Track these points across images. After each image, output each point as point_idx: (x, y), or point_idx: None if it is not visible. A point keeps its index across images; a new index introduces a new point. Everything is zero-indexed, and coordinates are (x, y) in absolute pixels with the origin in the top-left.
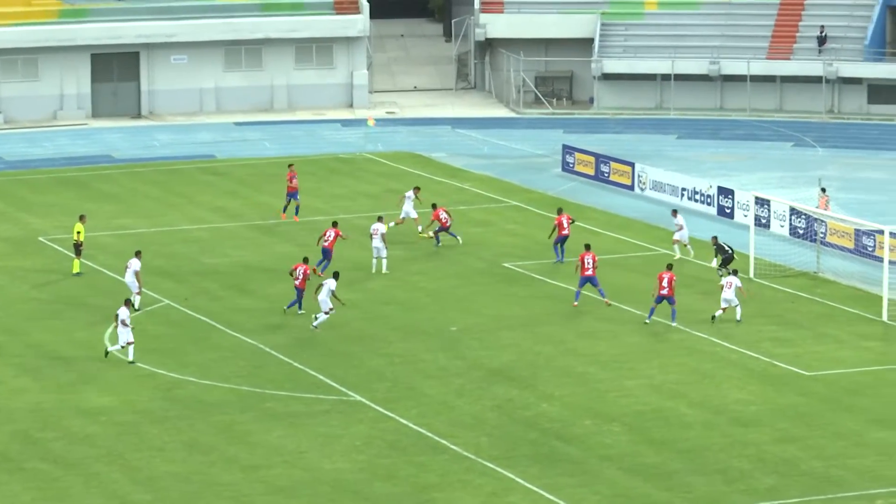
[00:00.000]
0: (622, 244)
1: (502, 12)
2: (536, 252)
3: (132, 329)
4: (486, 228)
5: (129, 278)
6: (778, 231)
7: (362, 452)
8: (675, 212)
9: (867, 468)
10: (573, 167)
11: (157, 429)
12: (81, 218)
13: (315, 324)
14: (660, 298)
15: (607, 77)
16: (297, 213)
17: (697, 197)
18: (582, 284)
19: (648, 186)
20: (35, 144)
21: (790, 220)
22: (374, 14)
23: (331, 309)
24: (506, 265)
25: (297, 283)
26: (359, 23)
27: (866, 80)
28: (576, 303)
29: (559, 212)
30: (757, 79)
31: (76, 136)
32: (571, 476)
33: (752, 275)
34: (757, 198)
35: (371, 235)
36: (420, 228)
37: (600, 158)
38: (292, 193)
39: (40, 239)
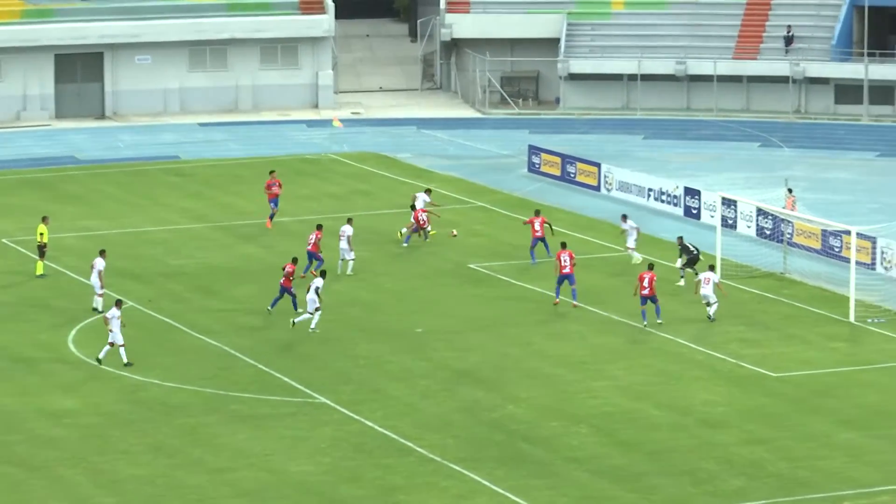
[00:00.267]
0: (588, 245)
1: (468, 12)
2: (503, 253)
3: (113, 332)
4: (452, 229)
5: (94, 279)
6: (745, 232)
7: (328, 455)
8: (624, 216)
9: (835, 470)
10: (539, 168)
11: (122, 431)
12: (45, 219)
13: (295, 319)
14: (644, 300)
15: (573, 77)
16: (271, 218)
17: (664, 198)
18: (560, 282)
19: (615, 187)
20: None
21: (757, 220)
22: (340, 14)
23: (317, 309)
24: (472, 266)
25: (281, 281)
26: (324, 23)
27: (833, 80)
28: (557, 300)
29: (536, 213)
30: (724, 79)
31: (40, 137)
32: (538, 478)
33: (718, 275)
34: (724, 198)
35: (339, 237)
36: (429, 228)
37: (566, 159)
38: (273, 200)
39: (3, 241)
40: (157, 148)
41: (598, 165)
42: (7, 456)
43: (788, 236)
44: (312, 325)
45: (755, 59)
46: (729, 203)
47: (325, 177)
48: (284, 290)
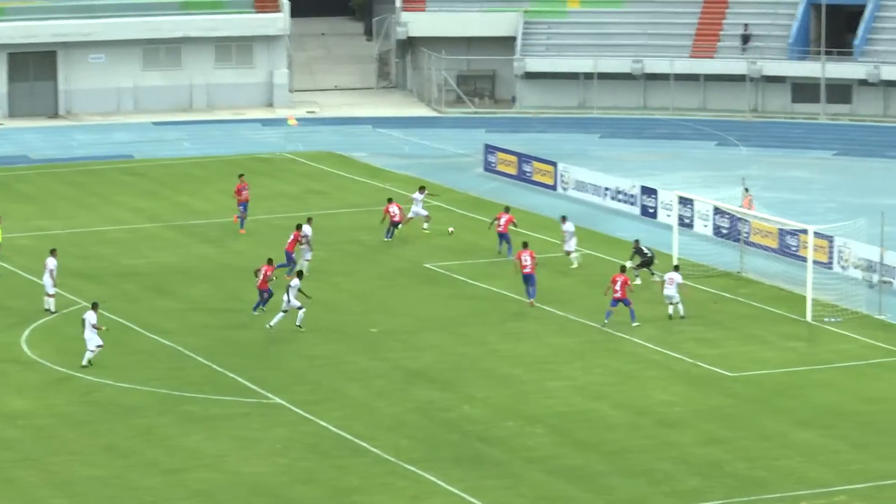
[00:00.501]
0: (545, 244)
1: (424, 10)
2: (459, 252)
3: (88, 334)
4: (408, 229)
5: (46, 279)
6: (701, 231)
7: (282, 456)
8: (564, 218)
9: (791, 469)
10: (495, 167)
11: (75, 433)
12: None
13: (271, 323)
14: (615, 301)
15: (530, 76)
16: (241, 224)
17: (620, 197)
18: (526, 282)
19: (571, 186)
20: None
21: (714, 219)
22: (295, 12)
23: (299, 307)
24: (427, 266)
25: (258, 283)
26: (279, 21)
27: (790, 79)
28: (531, 301)
29: (506, 210)
30: (680, 77)
31: None
32: (494, 478)
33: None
34: (680, 197)
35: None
36: (426, 226)
37: (523, 158)
38: (243, 205)
39: None
40: (110, 147)
41: (555, 164)
42: None
43: (745, 235)
44: (270, 324)
45: (712, 57)
46: (686, 202)
47: (279, 176)
48: (262, 292)
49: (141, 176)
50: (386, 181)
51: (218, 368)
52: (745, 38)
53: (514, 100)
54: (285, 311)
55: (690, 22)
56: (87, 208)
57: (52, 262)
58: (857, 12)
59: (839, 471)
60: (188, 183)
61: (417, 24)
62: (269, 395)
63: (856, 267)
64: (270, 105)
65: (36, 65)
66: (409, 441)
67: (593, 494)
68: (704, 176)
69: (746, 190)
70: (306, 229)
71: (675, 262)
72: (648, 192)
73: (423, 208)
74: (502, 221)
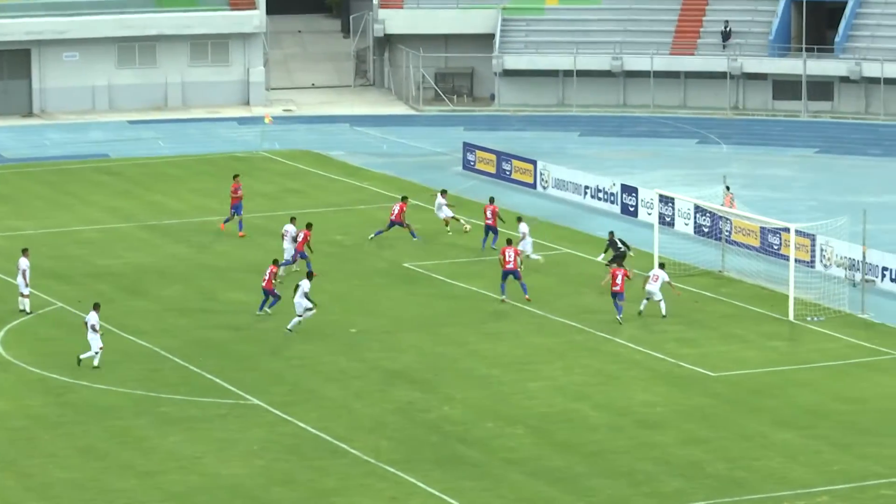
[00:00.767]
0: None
1: (401, 7)
2: (437, 252)
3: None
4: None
5: (19, 279)
6: (682, 229)
7: (260, 457)
8: (519, 219)
9: (773, 470)
10: (474, 165)
11: (51, 434)
12: None
13: (289, 326)
14: (615, 295)
15: (508, 73)
16: (240, 227)
17: (601, 195)
18: (504, 278)
19: (551, 185)
20: None
21: (695, 218)
22: (271, 10)
23: (308, 309)
24: (406, 265)
25: (263, 283)
26: (255, 19)
27: (771, 76)
28: (503, 298)
29: (491, 200)
30: (660, 75)
31: None
32: (474, 480)
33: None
34: (661, 195)
35: (282, 236)
36: (463, 223)
37: (502, 156)
38: (236, 206)
39: None
40: (85, 146)
41: (534, 163)
42: None
43: (727, 234)
44: (288, 327)
45: (692, 54)
46: (666, 200)
47: (256, 175)
48: (267, 292)
49: (115, 175)
50: (364, 180)
51: (194, 369)
52: (726, 35)
53: (492, 97)
54: (301, 315)
55: (670, 19)
56: (61, 208)
57: (24, 263)
58: (838, 9)
59: (820, 471)
60: (163, 182)
61: (395, 21)
62: (247, 395)
63: (838, 265)
64: (247, 103)
65: (9, 63)
66: (388, 442)
67: (574, 496)
68: (685, 174)
69: (728, 188)
70: (290, 228)
71: (658, 261)
72: (629, 190)
73: (448, 210)
74: (489, 213)
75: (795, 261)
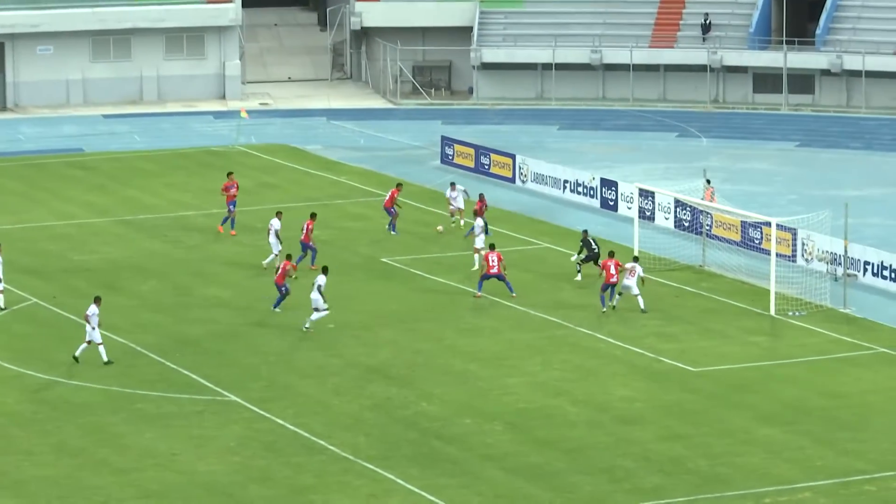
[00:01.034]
0: (503, 238)
1: (378, 0)
2: (415, 247)
3: (91, 330)
4: (364, 223)
5: None
6: (663, 224)
7: (237, 454)
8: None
9: (754, 466)
10: (452, 159)
11: (25, 431)
12: None
13: (306, 325)
14: (607, 286)
15: (486, 66)
16: (232, 225)
17: (580, 189)
18: (486, 279)
19: (530, 179)
20: None
21: (675, 212)
22: (246, 3)
23: (317, 309)
24: (384, 260)
25: (275, 278)
26: (230, 12)
27: (751, 69)
28: (478, 294)
29: (480, 198)
30: (640, 68)
31: None
32: (452, 476)
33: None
34: (641, 189)
35: (268, 231)
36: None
37: (480, 150)
38: (231, 203)
39: None
40: (59, 140)
41: (513, 157)
42: None
43: (707, 228)
44: (306, 325)
45: (672, 47)
46: (646, 194)
47: (232, 169)
48: (279, 287)
49: (90, 170)
50: (341, 174)
51: (171, 365)
52: (706, 28)
53: (470, 91)
54: (317, 310)
55: (650, 11)
56: (35, 203)
57: None
58: (819, 1)
59: (803, 467)
60: (138, 177)
61: (372, 14)
62: (224, 392)
63: (820, 260)
64: (222, 97)
65: None
66: (366, 438)
67: (553, 493)
68: (665, 168)
69: (708, 182)
70: (275, 223)
71: (635, 254)
72: (608, 184)
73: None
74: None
75: (777, 255)
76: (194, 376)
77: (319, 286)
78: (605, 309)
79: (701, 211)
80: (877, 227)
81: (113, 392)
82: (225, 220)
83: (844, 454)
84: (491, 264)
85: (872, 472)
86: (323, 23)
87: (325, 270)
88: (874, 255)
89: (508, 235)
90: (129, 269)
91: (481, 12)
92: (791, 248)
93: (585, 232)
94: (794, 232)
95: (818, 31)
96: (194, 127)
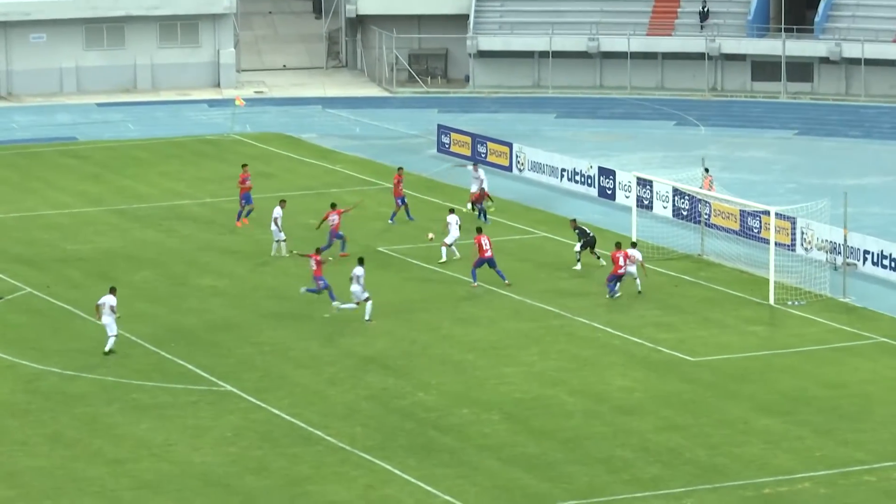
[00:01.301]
0: (500, 227)
1: None
2: (411, 236)
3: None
4: (359, 212)
5: None
6: (661, 213)
7: (233, 444)
8: (451, 210)
9: (753, 456)
10: (448, 148)
11: (19, 422)
12: None
13: (338, 308)
14: (614, 277)
15: (483, 54)
16: (247, 215)
17: (578, 178)
18: (479, 265)
19: (527, 167)
20: None
21: (673, 201)
22: None
23: (367, 299)
24: (380, 249)
25: (313, 271)
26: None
27: (750, 57)
28: (475, 284)
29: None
30: (637, 56)
31: None
32: (449, 467)
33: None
34: (639, 178)
35: (273, 221)
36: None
37: (477, 139)
38: (245, 196)
39: None
40: (52, 129)
41: (510, 145)
42: None
43: (706, 217)
44: (367, 317)
45: (670, 35)
46: (644, 183)
47: (226, 158)
48: (317, 279)
49: (84, 159)
50: (336, 163)
51: (165, 355)
52: (704, 16)
53: (467, 79)
54: (357, 304)
55: None
56: (28, 192)
57: None
58: None
59: (802, 457)
60: (132, 166)
61: (367, 1)
62: (219, 382)
63: (819, 249)
64: (217, 85)
65: None
66: (362, 429)
67: (551, 483)
68: (663, 156)
69: (706, 170)
70: (278, 211)
71: (633, 240)
72: (606, 173)
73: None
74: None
75: (776, 244)
76: (189, 366)
77: (359, 277)
78: (618, 294)
79: (699, 200)
80: (876, 215)
81: (108, 382)
82: (240, 215)
83: (844, 444)
84: (484, 248)
85: (872, 462)
86: (318, 11)
87: (360, 261)
88: (874, 244)
89: (505, 224)
90: (123, 259)
91: (477, 0)
92: (790, 237)
93: (574, 221)
94: (793, 221)
95: (817, 19)
96: (188, 115)
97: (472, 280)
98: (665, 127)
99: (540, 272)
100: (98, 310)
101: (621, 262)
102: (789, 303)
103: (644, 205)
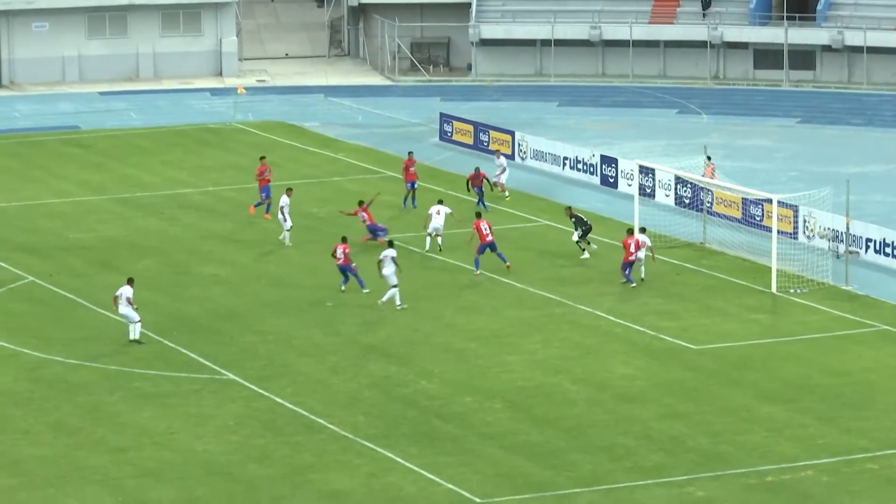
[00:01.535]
0: (501, 215)
1: None
2: (413, 224)
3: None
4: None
5: None
6: (663, 201)
7: (235, 433)
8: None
9: (756, 444)
10: (451, 136)
11: (22, 410)
12: None
13: (381, 301)
14: (627, 265)
15: (485, 43)
16: (267, 210)
17: (580, 166)
18: (482, 252)
19: (529, 156)
20: None
21: (675, 189)
22: None
23: (395, 286)
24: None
25: (338, 262)
26: None
27: (752, 45)
28: (477, 272)
29: (476, 171)
30: (639, 44)
31: None
32: (452, 455)
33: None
34: (641, 166)
35: (280, 210)
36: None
37: (479, 127)
38: (265, 188)
39: None
40: (55, 118)
41: (512, 133)
42: None
43: (708, 205)
44: (398, 303)
45: (672, 23)
46: (647, 171)
47: (229, 147)
48: (343, 268)
49: (86, 148)
50: (338, 151)
51: (168, 344)
52: (706, 4)
53: (469, 67)
54: (396, 286)
55: None
56: (31, 181)
57: None
58: None
59: (805, 445)
60: (134, 155)
61: None
62: (222, 370)
63: (821, 237)
64: (219, 74)
65: None
66: (365, 417)
67: (553, 471)
68: (665, 144)
69: (709, 158)
70: (285, 199)
71: (641, 226)
72: (608, 161)
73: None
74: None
75: (778, 232)
76: (192, 355)
77: (393, 257)
78: (633, 284)
79: (701, 188)
80: (878, 203)
81: (110, 371)
82: (268, 208)
83: (847, 432)
84: (484, 233)
85: (875, 450)
86: None
87: (391, 244)
88: (876, 232)
89: (507, 212)
90: (126, 247)
91: None
92: (792, 225)
93: (570, 208)
94: (795, 209)
95: (819, 7)
96: (191, 104)
97: (474, 268)
98: (667, 115)
99: (542, 260)
100: (115, 301)
101: (632, 248)
102: (792, 291)
103: (646, 193)
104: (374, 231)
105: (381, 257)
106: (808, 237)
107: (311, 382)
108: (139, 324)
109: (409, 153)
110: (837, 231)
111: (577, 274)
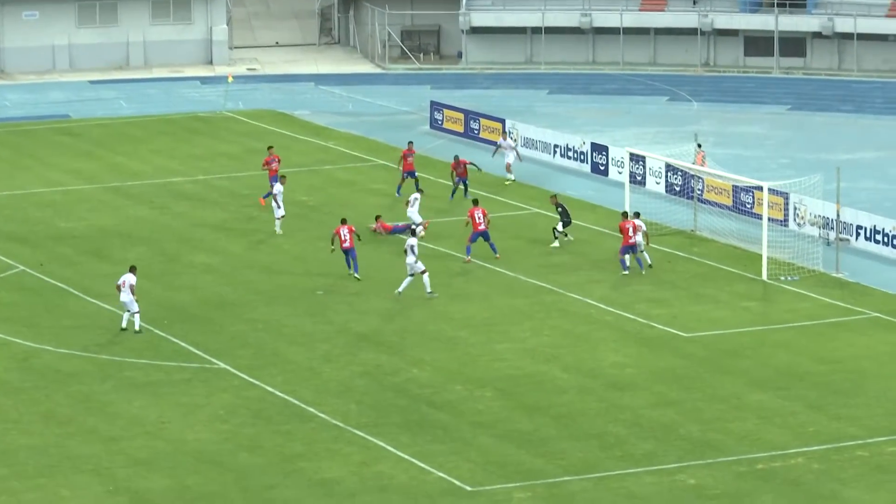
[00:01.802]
0: (492, 203)
1: None
2: (403, 213)
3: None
4: (352, 188)
5: None
6: (654, 188)
7: (226, 422)
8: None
9: (747, 432)
10: (441, 124)
11: (13, 400)
12: None
13: (399, 290)
14: (627, 249)
15: (475, 30)
16: (265, 196)
17: (570, 154)
18: (474, 240)
19: (520, 143)
20: None
21: (666, 176)
22: None
23: (424, 271)
24: (372, 226)
25: (344, 245)
26: None
27: (742, 32)
28: (468, 258)
29: (455, 158)
30: (630, 31)
31: None
32: (443, 443)
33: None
34: (631, 154)
35: (273, 198)
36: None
37: (469, 115)
38: (273, 178)
39: None
40: (45, 107)
41: (503, 121)
42: None
43: (699, 193)
44: (428, 290)
45: (662, 10)
46: (637, 159)
47: (219, 135)
48: (347, 252)
49: (77, 136)
50: (329, 140)
51: (159, 333)
52: None
53: (459, 55)
54: (412, 276)
55: None
56: (21, 170)
57: None
58: None
59: (795, 432)
60: (125, 143)
61: None
62: (212, 359)
63: (812, 224)
64: (209, 62)
65: None
66: (356, 406)
67: (544, 459)
68: (656, 132)
69: (699, 146)
70: (278, 187)
71: (635, 210)
72: (599, 149)
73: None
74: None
75: (769, 219)
76: (182, 344)
77: (413, 247)
78: (625, 271)
79: (692, 175)
80: (869, 190)
81: (101, 360)
82: (268, 195)
83: (837, 419)
84: (477, 221)
85: (865, 437)
86: None
87: (413, 232)
88: (866, 219)
89: (497, 200)
90: (117, 236)
91: None
92: (783, 212)
93: (555, 196)
94: (785, 196)
95: None
96: (181, 92)
97: (465, 255)
98: (658, 102)
99: (533, 248)
100: (119, 289)
101: (630, 232)
102: (782, 278)
103: (637, 181)
104: (399, 232)
105: (405, 247)
106: (799, 224)
107: (302, 371)
108: (138, 315)
109: (409, 143)
110: (828, 218)
111: (567, 262)
